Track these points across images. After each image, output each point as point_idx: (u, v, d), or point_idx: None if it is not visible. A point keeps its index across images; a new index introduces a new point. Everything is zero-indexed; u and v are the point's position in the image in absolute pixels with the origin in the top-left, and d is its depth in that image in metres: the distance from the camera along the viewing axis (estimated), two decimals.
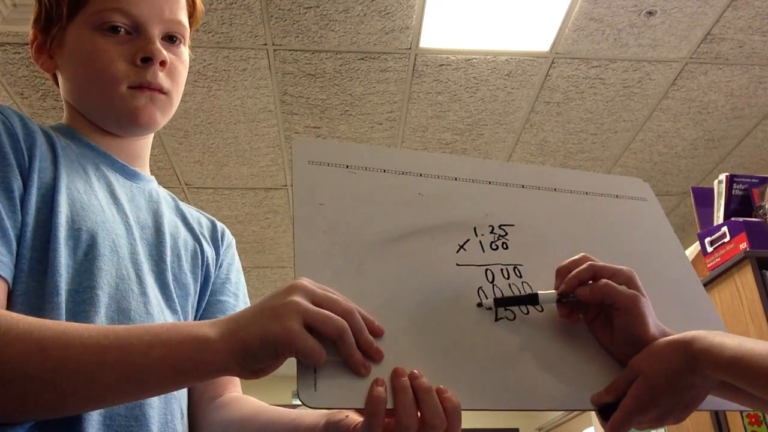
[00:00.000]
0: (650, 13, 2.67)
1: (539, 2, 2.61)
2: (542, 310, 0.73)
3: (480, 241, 0.77)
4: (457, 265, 0.74)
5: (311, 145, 0.79)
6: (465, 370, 0.66)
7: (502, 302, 0.71)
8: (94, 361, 0.58)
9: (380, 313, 0.65)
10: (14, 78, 2.88)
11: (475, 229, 0.78)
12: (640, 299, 0.71)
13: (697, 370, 0.65)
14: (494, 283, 0.74)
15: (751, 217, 2.07)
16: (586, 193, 0.89)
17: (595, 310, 0.73)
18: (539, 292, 0.72)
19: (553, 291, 0.72)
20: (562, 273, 0.73)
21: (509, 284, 0.74)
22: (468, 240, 0.76)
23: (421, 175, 0.81)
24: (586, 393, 0.69)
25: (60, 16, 0.81)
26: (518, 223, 0.80)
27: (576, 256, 0.74)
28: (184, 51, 0.87)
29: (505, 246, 0.78)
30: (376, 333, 0.63)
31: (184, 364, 0.59)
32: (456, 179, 0.83)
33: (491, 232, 0.78)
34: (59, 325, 0.61)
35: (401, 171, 0.80)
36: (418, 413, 0.60)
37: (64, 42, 0.82)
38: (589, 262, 0.72)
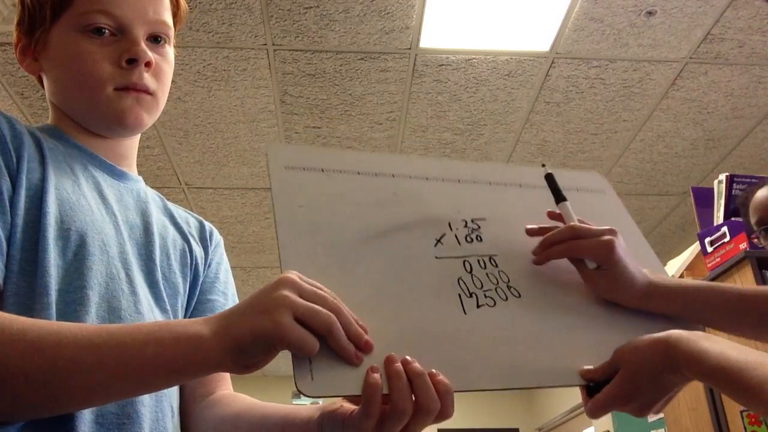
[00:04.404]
0: (650, 13, 2.67)
1: (539, 2, 2.61)
2: (519, 296, 0.78)
3: (455, 235, 0.81)
4: (436, 257, 0.78)
5: (286, 151, 0.83)
6: (453, 354, 0.68)
7: (550, 178, 0.86)
8: (88, 360, 0.58)
9: (366, 307, 0.67)
10: (14, 78, 2.88)
11: (449, 223, 0.82)
12: (612, 251, 0.78)
13: (678, 371, 0.67)
14: (472, 272, 0.78)
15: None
16: (546, 188, 0.94)
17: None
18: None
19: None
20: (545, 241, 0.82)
21: (486, 273, 0.79)
22: (444, 234, 0.80)
23: (393, 176, 0.85)
24: (571, 370, 0.72)
25: (44, 19, 0.81)
26: (489, 216, 0.85)
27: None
28: (169, 51, 0.87)
29: (479, 238, 0.82)
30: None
31: (177, 361, 0.60)
32: (427, 179, 0.87)
33: (465, 226, 0.82)
34: (53, 324, 0.61)
35: (374, 173, 0.84)
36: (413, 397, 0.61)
37: (49, 44, 0.82)
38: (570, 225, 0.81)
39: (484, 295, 0.76)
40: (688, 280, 0.86)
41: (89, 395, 0.60)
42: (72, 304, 0.69)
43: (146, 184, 0.91)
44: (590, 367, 0.72)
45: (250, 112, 3.18)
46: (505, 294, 0.77)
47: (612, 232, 0.79)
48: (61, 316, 0.68)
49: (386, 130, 3.35)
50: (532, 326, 0.75)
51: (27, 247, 0.69)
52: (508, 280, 0.79)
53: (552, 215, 0.85)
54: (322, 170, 0.81)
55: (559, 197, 0.85)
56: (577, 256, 0.80)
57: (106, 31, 0.80)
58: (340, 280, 0.68)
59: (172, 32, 0.86)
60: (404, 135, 3.39)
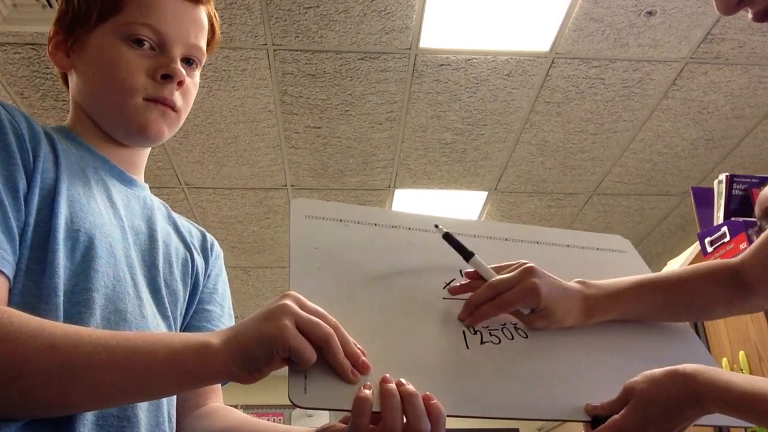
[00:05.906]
0: (650, 13, 2.67)
1: (539, 2, 2.61)
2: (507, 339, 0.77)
3: None
4: (443, 298, 0.79)
5: (308, 204, 0.86)
6: (450, 382, 0.69)
7: (448, 237, 0.81)
8: (101, 359, 0.60)
9: (368, 335, 0.68)
10: (14, 78, 2.88)
11: (460, 271, 0.82)
12: (539, 293, 0.76)
13: (699, 404, 0.66)
14: None
15: (752, 217, 2.06)
16: (568, 246, 0.95)
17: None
18: (476, 254, 0.80)
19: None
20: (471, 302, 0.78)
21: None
22: (453, 279, 0.81)
23: (409, 228, 0.88)
24: (576, 406, 0.71)
25: (88, 20, 0.83)
26: None
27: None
28: (197, 75, 0.90)
29: None
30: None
31: (186, 365, 0.62)
32: None
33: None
34: (67, 326, 0.63)
35: (391, 225, 0.87)
36: (404, 418, 0.62)
37: (87, 45, 0.83)
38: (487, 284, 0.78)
39: (489, 333, 0.76)
40: (620, 281, 0.84)
41: (100, 395, 0.62)
42: (77, 306, 0.70)
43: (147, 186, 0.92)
44: (597, 404, 0.71)
45: (250, 112, 3.18)
46: (512, 334, 0.77)
47: (529, 271, 0.77)
48: (66, 317, 0.68)
49: (386, 130, 3.35)
50: (536, 363, 0.75)
51: (36, 246, 0.69)
52: (516, 323, 0.78)
53: (470, 275, 0.80)
54: (341, 220, 0.85)
55: (465, 254, 0.80)
56: (506, 311, 0.78)
57: (147, 43, 0.82)
58: (346, 310, 0.69)
59: (204, 59, 0.90)
60: (404, 135, 3.39)
